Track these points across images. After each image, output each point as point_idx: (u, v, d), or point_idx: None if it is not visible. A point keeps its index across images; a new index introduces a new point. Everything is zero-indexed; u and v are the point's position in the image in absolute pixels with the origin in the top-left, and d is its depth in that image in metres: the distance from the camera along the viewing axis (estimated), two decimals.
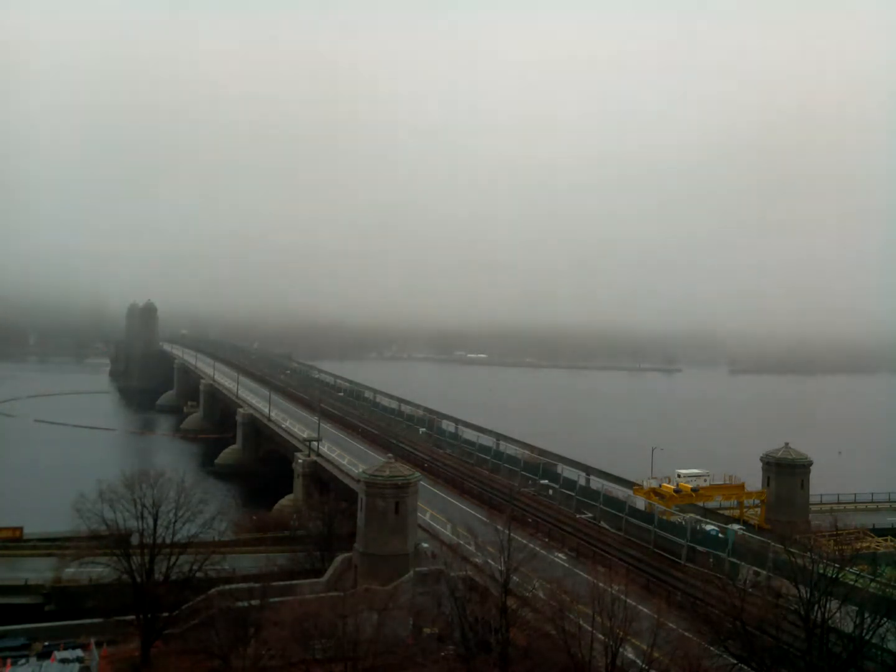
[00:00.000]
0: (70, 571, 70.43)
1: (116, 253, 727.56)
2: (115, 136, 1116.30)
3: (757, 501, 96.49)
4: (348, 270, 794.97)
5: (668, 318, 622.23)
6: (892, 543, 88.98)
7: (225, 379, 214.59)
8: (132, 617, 59.73)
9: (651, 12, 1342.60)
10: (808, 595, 44.57)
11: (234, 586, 63.82)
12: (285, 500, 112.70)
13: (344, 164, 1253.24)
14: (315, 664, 53.52)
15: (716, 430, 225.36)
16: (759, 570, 61.30)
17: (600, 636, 44.82)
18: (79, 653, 59.49)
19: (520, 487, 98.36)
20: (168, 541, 62.50)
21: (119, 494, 62.01)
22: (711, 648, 46.38)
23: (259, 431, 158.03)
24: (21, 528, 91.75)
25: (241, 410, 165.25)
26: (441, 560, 63.35)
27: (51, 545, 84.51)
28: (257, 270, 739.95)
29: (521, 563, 53.49)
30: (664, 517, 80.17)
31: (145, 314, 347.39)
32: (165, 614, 59.81)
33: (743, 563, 63.33)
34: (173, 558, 61.49)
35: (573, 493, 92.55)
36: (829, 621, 44.29)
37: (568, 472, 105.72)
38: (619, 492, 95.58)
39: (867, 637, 43.73)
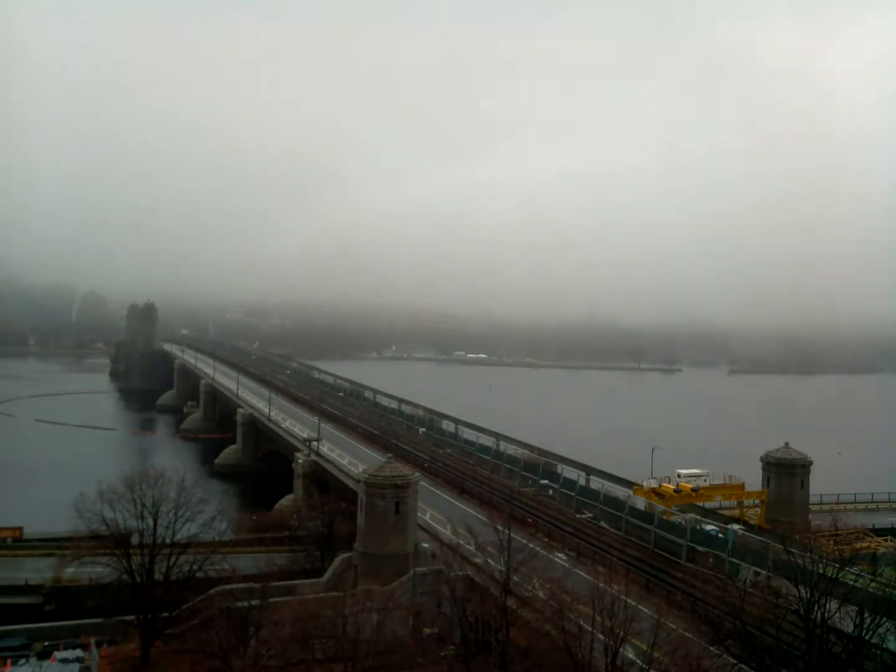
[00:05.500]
0: (70, 571, 70.55)
1: (116, 253, 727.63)
2: (116, 136, 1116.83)
3: (757, 501, 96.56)
4: (348, 270, 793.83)
5: (668, 318, 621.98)
6: (892, 543, 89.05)
7: (225, 379, 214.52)
8: (132, 617, 59.71)
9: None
10: (808, 595, 44.55)
11: (234, 586, 63.75)
12: (285, 500, 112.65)
13: (343, 165, 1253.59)
14: (315, 664, 53.61)
15: (716, 430, 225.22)
16: (759, 570, 61.32)
17: (600, 636, 44.83)
18: (79, 653, 59.55)
19: (520, 487, 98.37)
20: (168, 541, 62.48)
21: (119, 494, 62.02)
22: (711, 648, 46.40)
23: (259, 431, 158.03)
24: (21, 528, 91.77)
25: (241, 410, 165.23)
26: (441, 560, 63.43)
27: (51, 545, 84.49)
28: (258, 271, 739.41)
29: (521, 563, 53.55)
30: (664, 517, 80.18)
31: (145, 314, 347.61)
32: (165, 614, 59.80)
33: (743, 563, 63.36)
34: (173, 558, 61.48)
35: (573, 493, 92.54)
36: (829, 621, 44.29)
37: (568, 472, 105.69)
38: (619, 492, 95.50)
39: (867, 637, 43.73)
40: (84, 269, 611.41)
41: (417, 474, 76.63)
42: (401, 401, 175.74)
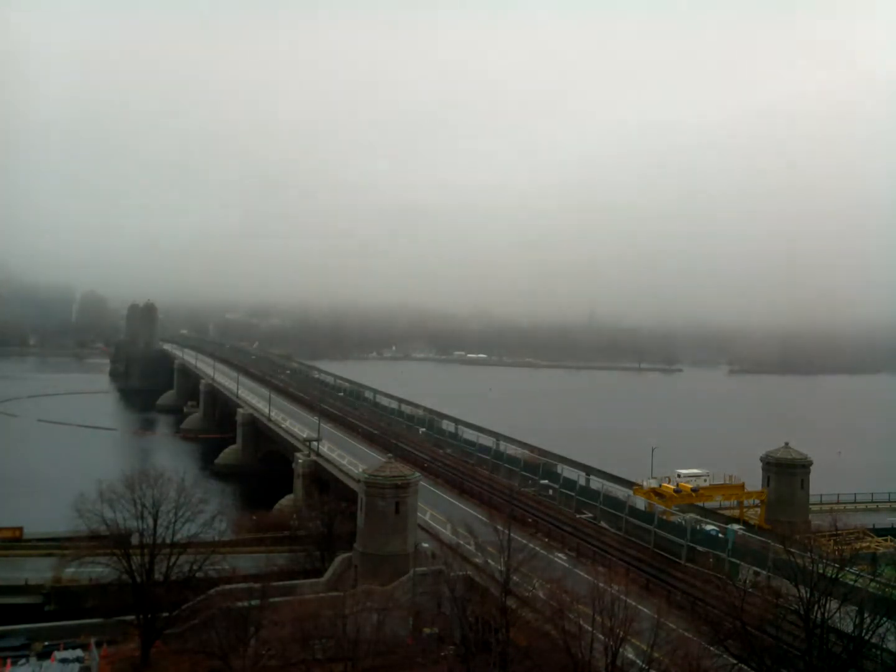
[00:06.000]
0: (70, 571, 70.57)
1: (117, 252, 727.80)
2: (116, 137, 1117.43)
3: (757, 501, 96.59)
4: (348, 270, 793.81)
5: (668, 318, 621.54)
6: (892, 543, 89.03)
7: (225, 379, 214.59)
8: (132, 617, 59.70)
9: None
10: (808, 595, 44.56)
11: (234, 586, 63.75)
12: (285, 500, 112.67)
13: (343, 163, 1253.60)
14: (315, 664, 53.67)
15: (716, 430, 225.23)
16: (759, 570, 61.33)
17: (600, 636, 44.83)
18: (79, 653, 59.51)
19: (520, 487, 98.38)
20: (168, 541, 62.45)
21: (119, 494, 62.00)
22: (711, 648, 46.40)
23: (259, 431, 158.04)
24: (21, 528, 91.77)
25: (241, 410, 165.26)
26: (441, 560, 63.41)
27: (51, 545, 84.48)
28: (258, 271, 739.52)
29: (521, 563, 53.54)
30: (664, 517, 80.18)
31: (145, 314, 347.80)
32: (165, 614, 59.82)
33: (743, 563, 63.35)
34: (173, 558, 61.47)
35: (573, 493, 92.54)
36: (829, 621, 44.31)
37: (568, 472, 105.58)
38: (619, 492, 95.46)
39: (867, 637, 43.75)
40: (84, 269, 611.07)
41: (417, 474, 76.66)
42: (401, 401, 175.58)
